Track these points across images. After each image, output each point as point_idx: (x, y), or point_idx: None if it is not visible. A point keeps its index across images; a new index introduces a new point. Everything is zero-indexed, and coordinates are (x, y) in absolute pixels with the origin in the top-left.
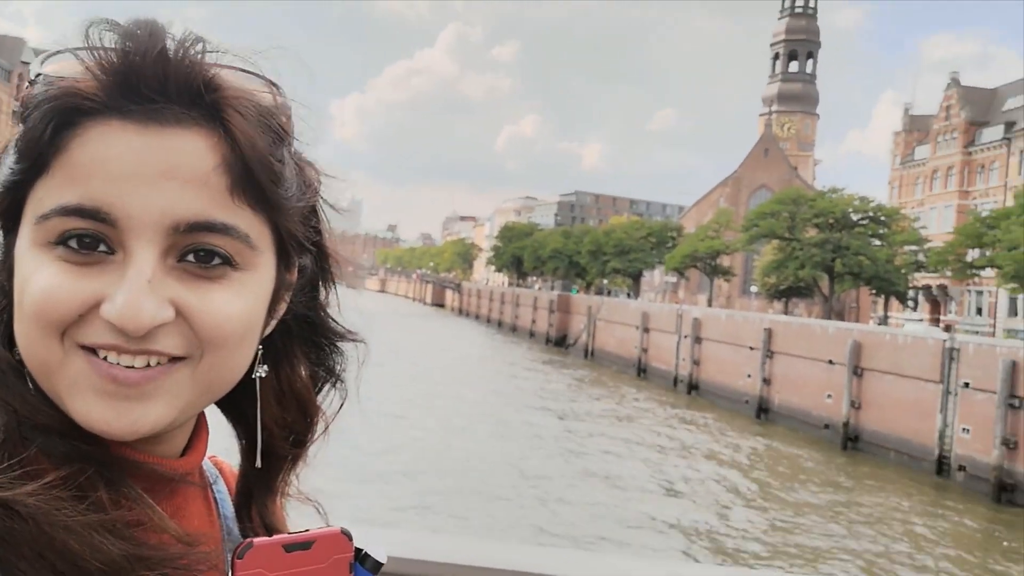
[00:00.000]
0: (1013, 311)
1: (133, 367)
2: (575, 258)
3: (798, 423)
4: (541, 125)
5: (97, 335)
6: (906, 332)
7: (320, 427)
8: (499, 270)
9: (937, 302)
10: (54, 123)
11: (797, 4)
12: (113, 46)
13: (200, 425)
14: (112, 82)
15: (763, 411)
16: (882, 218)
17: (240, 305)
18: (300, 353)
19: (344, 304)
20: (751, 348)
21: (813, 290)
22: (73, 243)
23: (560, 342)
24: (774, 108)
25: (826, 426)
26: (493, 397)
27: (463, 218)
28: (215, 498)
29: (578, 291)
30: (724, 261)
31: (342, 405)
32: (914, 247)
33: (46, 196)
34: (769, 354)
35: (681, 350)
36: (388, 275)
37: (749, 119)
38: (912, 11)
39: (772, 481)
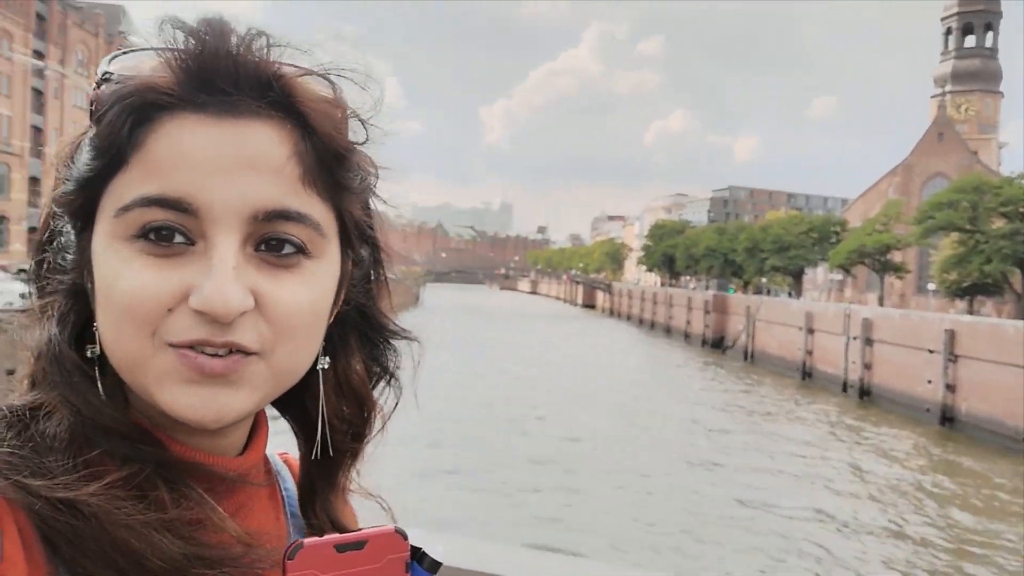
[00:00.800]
0: None
1: (218, 355)
2: (730, 256)
3: (989, 434)
4: (690, 119)
5: (186, 331)
6: None
7: (377, 423)
8: (650, 270)
9: None
10: (132, 119)
11: None
12: (184, 43)
13: (259, 422)
14: (187, 77)
15: (947, 420)
16: None
17: (311, 294)
18: (356, 346)
19: (503, 304)
20: (930, 351)
21: (1002, 287)
22: (153, 235)
23: (717, 344)
24: (948, 88)
25: None
26: (645, 401)
27: (612, 218)
28: (282, 496)
29: (735, 290)
30: (896, 256)
31: (397, 404)
32: None
33: (125, 190)
34: (952, 357)
35: (850, 353)
36: (539, 276)
37: (919, 102)
38: None
39: (975, 513)
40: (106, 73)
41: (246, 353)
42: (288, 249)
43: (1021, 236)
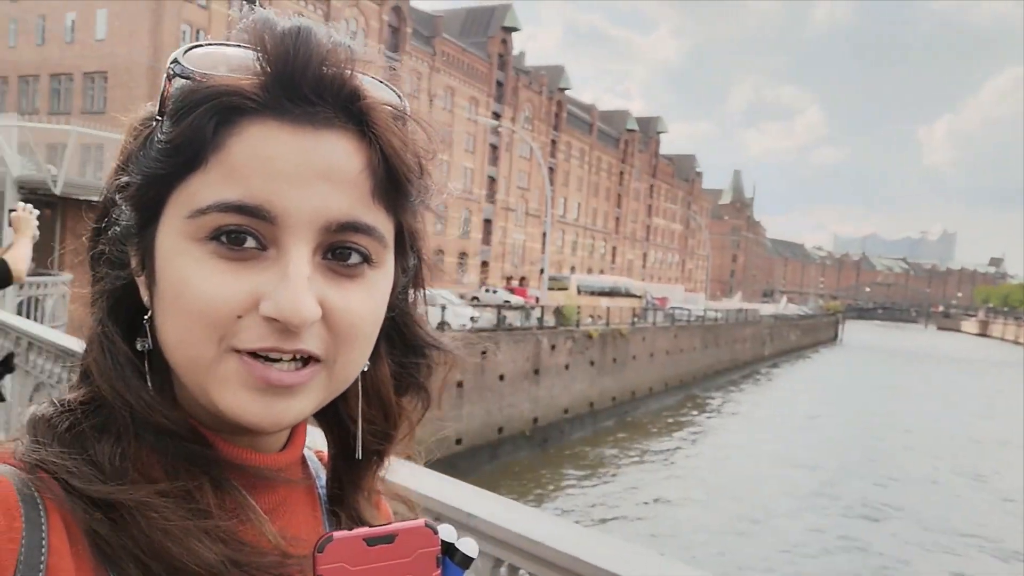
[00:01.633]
0: None
1: (285, 369)
2: None
3: None
4: None
5: (256, 339)
6: None
7: (404, 429)
8: None
9: None
10: (216, 120)
11: None
12: (273, 47)
13: None
14: (274, 82)
15: None
16: None
17: (373, 303)
18: (384, 352)
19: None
20: None
21: None
22: (224, 238)
23: None
24: None
25: None
26: None
27: None
28: (319, 492)
29: None
30: None
31: (424, 414)
32: None
33: (201, 191)
34: None
35: None
36: (990, 316)
37: None
38: None
39: None
40: (178, 65)
41: (316, 360)
42: (355, 259)
43: None
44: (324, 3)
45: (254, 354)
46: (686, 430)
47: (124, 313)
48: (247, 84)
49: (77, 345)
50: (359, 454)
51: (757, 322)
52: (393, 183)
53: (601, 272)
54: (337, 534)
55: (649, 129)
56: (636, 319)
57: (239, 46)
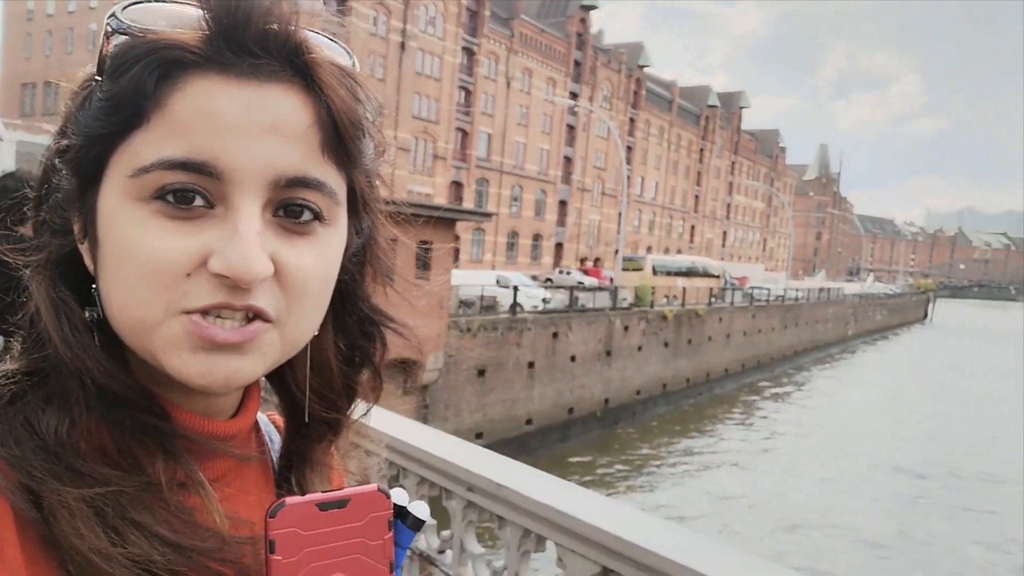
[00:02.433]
0: None
1: (232, 327)
2: None
3: None
4: None
5: (204, 296)
6: None
7: (361, 408)
8: None
9: None
10: (156, 75)
11: None
12: (214, 1)
13: (251, 384)
14: (217, 35)
15: None
16: None
17: (324, 261)
18: (331, 320)
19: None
20: None
21: None
22: (171, 197)
23: None
24: None
25: None
26: None
27: None
28: (271, 459)
29: None
30: None
31: (378, 395)
32: None
33: (143, 150)
34: None
35: None
36: None
37: None
38: None
39: None
40: (116, 22)
41: (264, 320)
42: (306, 216)
43: None
44: None
45: (204, 313)
46: (756, 414)
47: (71, 282)
48: (188, 38)
49: None
50: (307, 419)
51: (841, 302)
52: (341, 139)
53: (679, 252)
54: (289, 499)
55: (731, 104)
56: (713, 299)
57: (180, 2)
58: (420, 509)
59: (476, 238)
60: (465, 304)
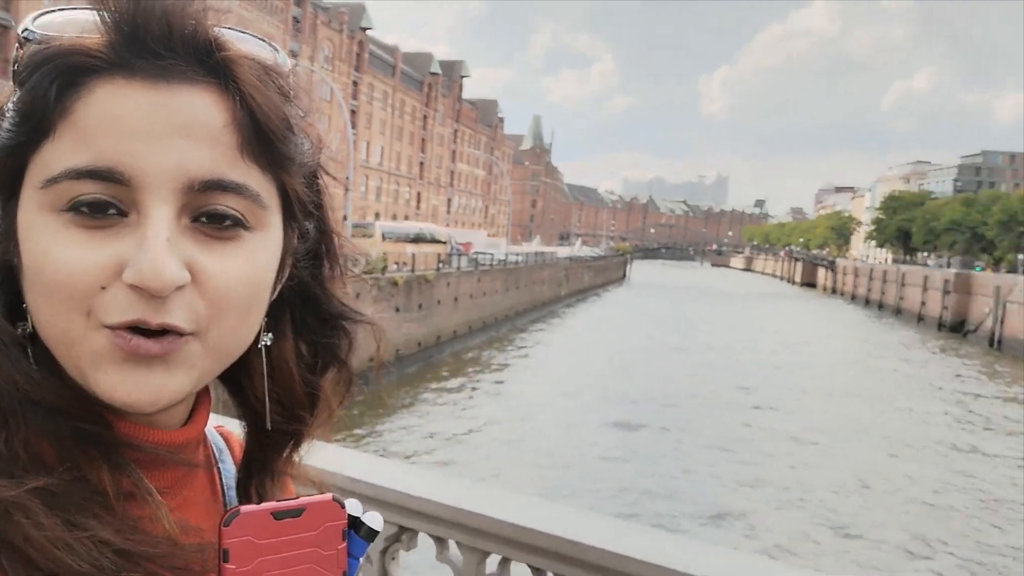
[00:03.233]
0: None
1: (154, 336)
2: (979, 230)
3: None
4: (939, 76)
5: (121, 312)
6: None
7: (321, 410)
8: (880, 245)
9: None
10: (58, 83)
11: None
12: (116, 2)
13: (202, 394)
14: (119, 39)
15: None
16: None
17: (249, 267)
18: (291, 325)
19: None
20: None
21: None
22: (85, 208)
23: (956, 328)
24: None
25: None
26: (874, 397)
27: (839, 189)
28: (219, 471)
29: (983, 268)
30: None
31: (347, 394)
32: None
33: (52, 159)
34: None
35: None
36: (754, 253)
37: None
38: None
39: None
40: (28, 32)
41: (180, 334)
42: (227, 222)
43: None
44: None
45: (124, 329)
46: (486, 371)
47: (4, 297)
48: (91, 43)
49: None
50: (268, 429)
51: (554, 264)
52: (263, 139)
53: (406, 218)
54: (244, 508)
55: (452, 73)
56: (441, 265)
57: (91, 8)
58: (374, 520)
59: None
60: None
